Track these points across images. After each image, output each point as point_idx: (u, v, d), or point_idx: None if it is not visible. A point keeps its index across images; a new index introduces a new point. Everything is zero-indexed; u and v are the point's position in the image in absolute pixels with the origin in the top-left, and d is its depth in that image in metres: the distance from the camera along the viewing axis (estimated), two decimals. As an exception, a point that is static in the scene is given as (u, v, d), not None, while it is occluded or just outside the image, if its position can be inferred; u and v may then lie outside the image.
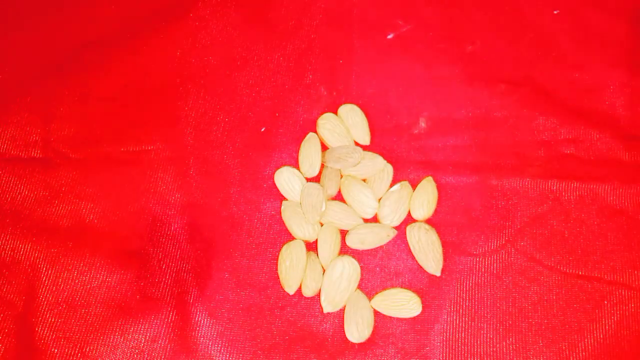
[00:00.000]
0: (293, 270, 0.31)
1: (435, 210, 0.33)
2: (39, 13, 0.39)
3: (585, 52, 0.36)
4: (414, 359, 0.30)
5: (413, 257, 0.32)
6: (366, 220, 0.33)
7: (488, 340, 0.31)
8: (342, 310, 0.31)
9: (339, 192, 0.34)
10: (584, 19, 0.37)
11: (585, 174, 0.33)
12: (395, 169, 0.34)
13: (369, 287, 0.32)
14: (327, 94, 0.36)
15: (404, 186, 0.33)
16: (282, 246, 0.32)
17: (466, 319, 0.31)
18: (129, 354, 0.31)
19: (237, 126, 0.36)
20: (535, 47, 0.36)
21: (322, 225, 0.33)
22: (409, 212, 0.33)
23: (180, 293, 0.32)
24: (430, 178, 0.33)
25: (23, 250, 0.33)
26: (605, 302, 0.31)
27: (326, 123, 0.35)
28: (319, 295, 0.31)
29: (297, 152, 0.34)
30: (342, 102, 0.35)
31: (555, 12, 0.37)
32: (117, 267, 0.32)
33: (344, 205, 0.33)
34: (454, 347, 0.31)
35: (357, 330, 0.31)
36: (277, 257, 0.32)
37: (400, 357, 0.31)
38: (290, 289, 0.31)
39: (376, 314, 0.31)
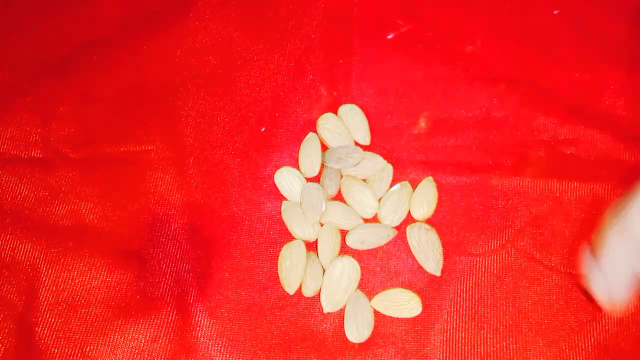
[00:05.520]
0: (293, 270, 0.31)
1: (435, 210, 0.33)
2: (39, 13, 0.39)
3: (585, 52, 0.36)
4: (414, 359, 0.30)
5: (413, 257, 0.32)
6: (366, 220, 0.33)
7: (488, 340, 0.31)
8: (342, 310, 0.31)
9: (339, 192, 0.34)
10: (584, 19, 0.37)
11: (585, 174, 0.33)
12: (395, 169, 0.34)
13: (369, 287, 0.32)
14: (327, 94, 0.36)
15: (404, 186, 0.33)
16: (282, 246, 0.32)
17: (466, 319, 0.31)
18: (129, 354, 0.31)
19: (237, 126, 0.35)
20: (535, 47, 0.36)
21: (322, 225, 0.33)
22: (409, 212, 0.33)
23: (180, 293, 0.32)
24: (430, 178, 0.33)
25: (23, 250, 0.33)
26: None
27: (326, 123, 0.35)
28: (319, 295, 0.31)
29: (297, 152, 0.34)
30: (342, 102, 0.35)
31: (555, 12, 0.37)
32: (117, 267, 0.32)
33: (344, 205, 0.33)
34: (454, 347, 0.31)
35: (357, 330, 0.31)
36: (277, 257, 0.32)
37: (400, 357, 0.31)
38: (290, 289, 0.31)
39: (376, 314, 0.31)
